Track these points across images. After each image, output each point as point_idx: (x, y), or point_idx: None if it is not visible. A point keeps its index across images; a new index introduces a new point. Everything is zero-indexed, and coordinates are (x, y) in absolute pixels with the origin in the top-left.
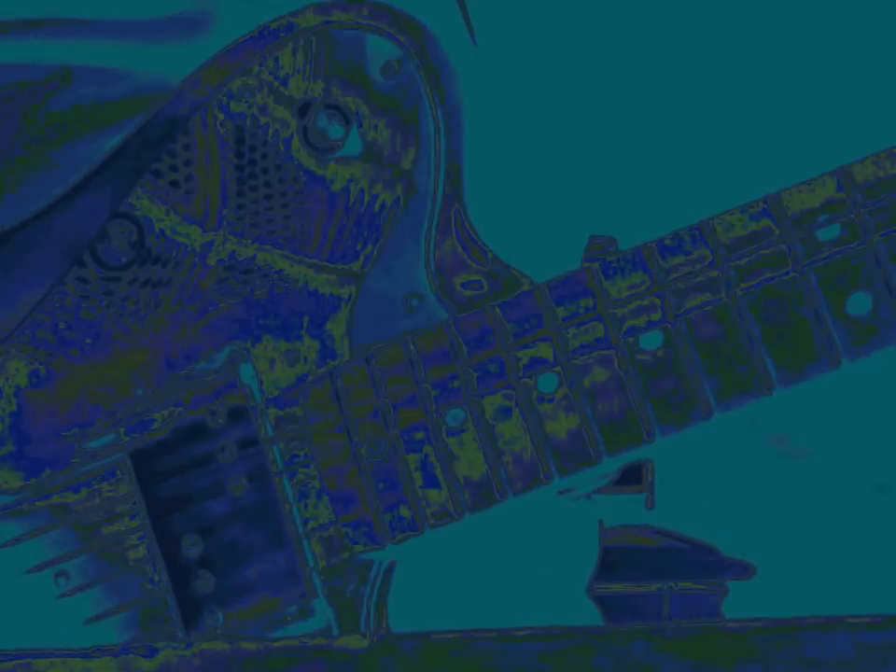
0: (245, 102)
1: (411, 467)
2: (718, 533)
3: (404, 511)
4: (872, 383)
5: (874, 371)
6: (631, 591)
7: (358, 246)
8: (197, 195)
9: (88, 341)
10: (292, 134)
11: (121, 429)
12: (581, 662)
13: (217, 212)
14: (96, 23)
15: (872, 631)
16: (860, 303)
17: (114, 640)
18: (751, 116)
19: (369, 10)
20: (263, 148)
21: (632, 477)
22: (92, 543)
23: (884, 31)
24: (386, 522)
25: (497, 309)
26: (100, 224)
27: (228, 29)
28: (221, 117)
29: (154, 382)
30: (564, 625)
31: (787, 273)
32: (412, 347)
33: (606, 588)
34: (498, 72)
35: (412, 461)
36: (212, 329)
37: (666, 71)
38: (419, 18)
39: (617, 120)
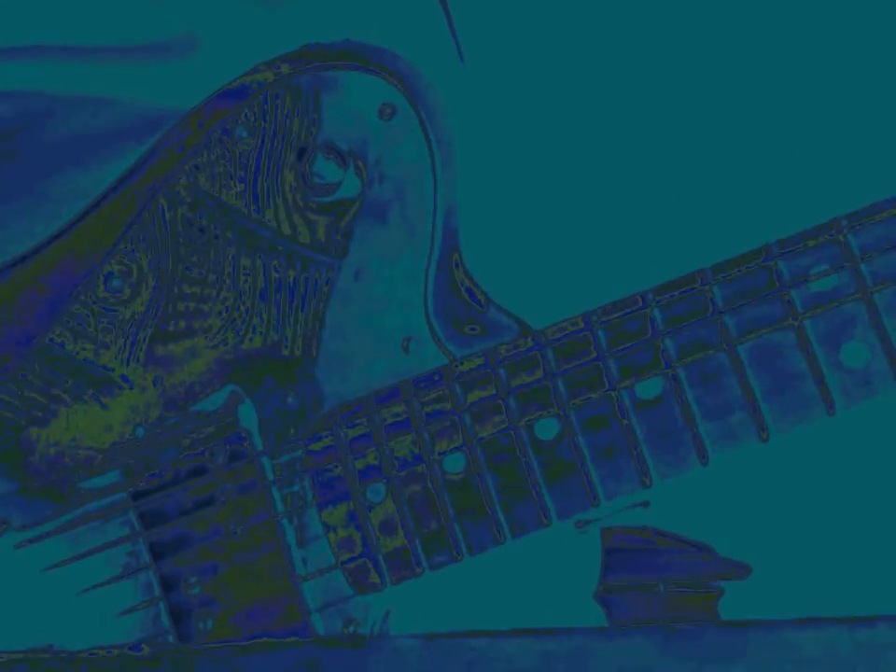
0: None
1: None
2: (714, 533)
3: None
4: None
5: None
6: (627, 591)
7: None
8: None
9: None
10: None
11: (121, 470)
12: (580, 662)
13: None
14: (80, 49)
15: (868, 631)
16: (855, 353)
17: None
18: (743, 156)
19: (357, 52)
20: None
21: None
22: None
23: (883, 38)
24: (386, 564)
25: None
26: (101, 258)
27: (212, 52)
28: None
29: (154, 422)
30: (564, 627)
31: (784, 324)
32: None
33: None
34: (493, 114)
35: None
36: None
37: (659, 119)
38: (410, 58)
39: (613, 164)
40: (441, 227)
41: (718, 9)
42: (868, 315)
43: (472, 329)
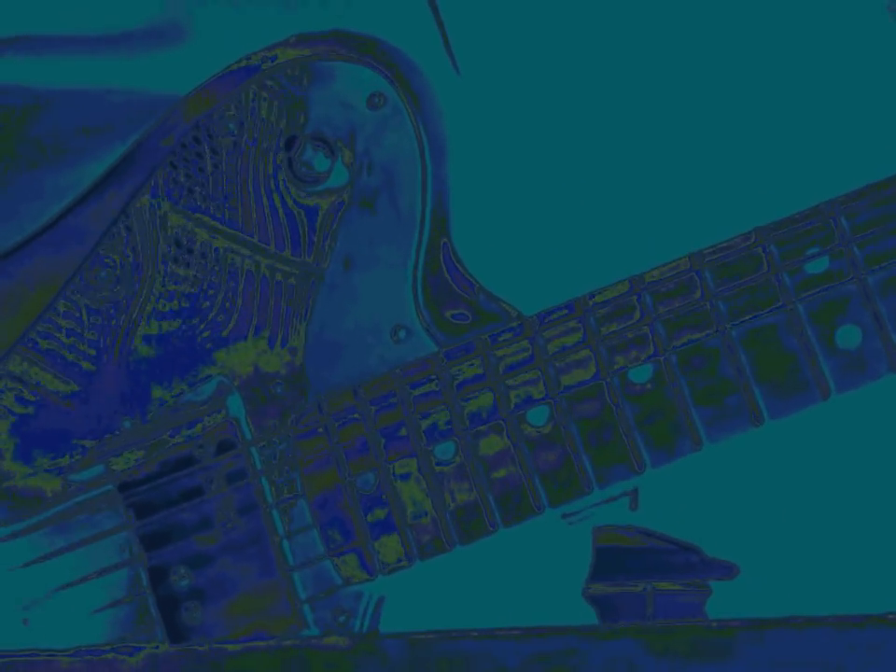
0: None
1: (402, 497)
2: (701, 533)
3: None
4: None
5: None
6: (615, 591)
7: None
8: None
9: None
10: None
11: (109, 462)
12: (569, 662)
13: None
14: (68, 40)
15: (856, 631)
16: (849, 336)
17: (99, 640)
18: (732, 156)
19: (347, 41)
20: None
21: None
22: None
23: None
24: (377, 553)
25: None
26: (85, 255)
27: (204, 38)
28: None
29: (141, 413)
30: (552, 626)
31: (777, 306)
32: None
33: (593, 588)
34: (483, 102)
35: (402, 491)
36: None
37: (650, 107)
38: (400, 47)
39: (603, 150)
40: (431, 215)
41: None
42: (862, 297)
43: (463, 317)
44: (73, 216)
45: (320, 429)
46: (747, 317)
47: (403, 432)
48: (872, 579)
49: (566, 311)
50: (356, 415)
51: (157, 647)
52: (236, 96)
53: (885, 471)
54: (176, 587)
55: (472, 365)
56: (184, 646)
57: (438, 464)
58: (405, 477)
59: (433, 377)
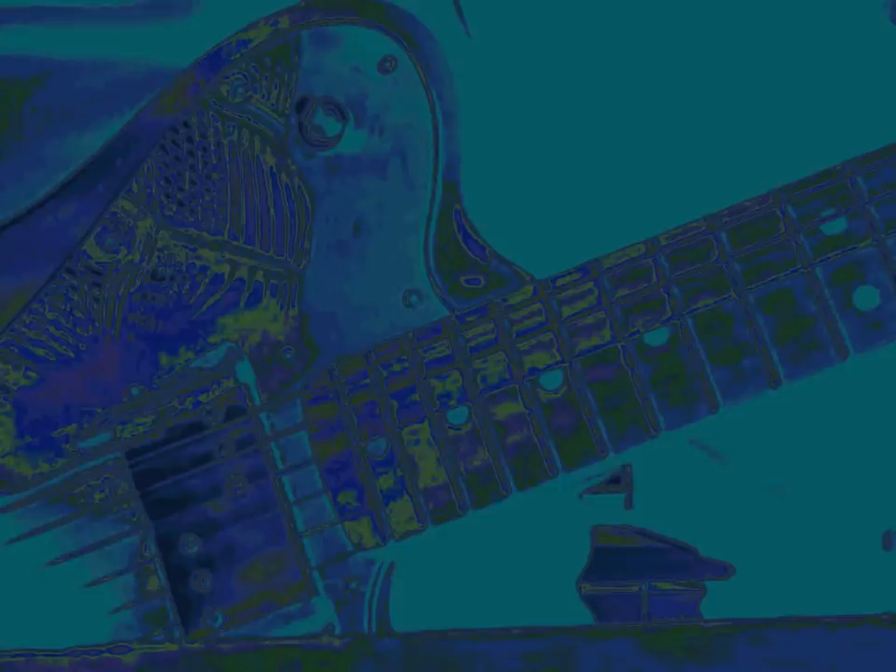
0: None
1: (415, 462)
2: (696, 533)
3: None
4: (847, 387)
5: (849, 376)
6: (609, 591)
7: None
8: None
9: (80, 340)
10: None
11: (116, 428)
12: (564, 661)
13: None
14: (78, 11)
15: (849, 631)
16: (866, 297)
17: (109, 639)
18: (748, 116)
19: (359, 5)
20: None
21: (611, 477)
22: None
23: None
24: (388, 517)
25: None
26: (87, 226)
27: (211, 9)
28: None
29: (149, 381)
30: (547, 625)
31: (794, 268)
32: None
33: (587, 588)
34: (494, 66)
35: (415, 456)
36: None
37: (663, 67)
38: (411, 11)
39: (615, 114)
40: (442, 179)
41: None
42: (880, 258)
43: (475, 282)
44: (76, 188)
45: (331, 394)
46: (764, 280)
47: (416, 397)
48: (866, 579)
49: (579, 274)
50: (366, 381)
51: (152, 646)
52: (245, 59)
53: (878, 471)
54: (185, 555)
55: (486, 332)
56: (179, 645)
57: (451, 428)
58: (417, 443)
59: (445, 340)
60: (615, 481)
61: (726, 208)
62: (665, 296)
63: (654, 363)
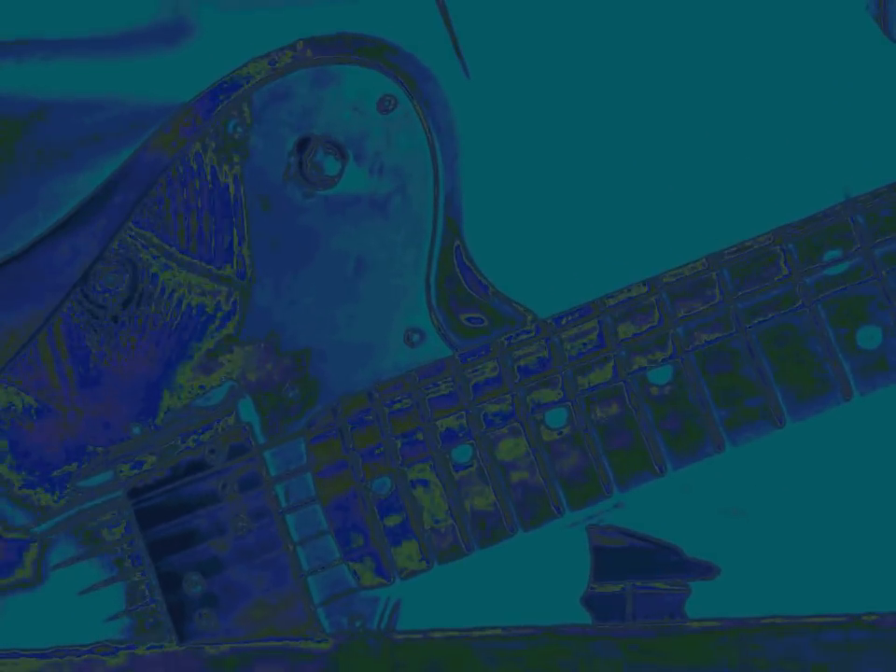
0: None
1: (420, 502)
2: (682, 533)
3: (410, 547)
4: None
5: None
6: (595, 591)
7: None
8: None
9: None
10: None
11: (118, 468)
12: (557, 662)
13: None
14: (69, 43)
15: (835, 631)
16: (870, 336)
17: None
18: (749, 156)
19: (358, 45)
20: None
21: None
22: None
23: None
24: (394, 557)
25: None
26: (89, 263)
27: (209, 37)
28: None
29: (151, 420)
30: (540, 625)
31: (797, 308)
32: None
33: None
34: (494, 104)
35: (419, 496)
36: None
37: (664, 106)
38: (410, 50)
39: (616, 152)
40: (443, 217)
41: None
42: (882, 297)
43: (477, 321)
44: (77, 225)
45: (335, 433)
46: (766, 318)
47: (419, 436)
48: (851, 579)
49: (582, 313)
50: (370, 417)
51: (136, 647)
52: (243, 98)
53: (863, 472)
54: (189, 594)
55: (489, 370)
56: (162, 647)
57: (455, 468)
58: (423, 482)
59: (449, 380)
60: None
61: (728, 247)
62: (668, 334)
63: (659, 401)
